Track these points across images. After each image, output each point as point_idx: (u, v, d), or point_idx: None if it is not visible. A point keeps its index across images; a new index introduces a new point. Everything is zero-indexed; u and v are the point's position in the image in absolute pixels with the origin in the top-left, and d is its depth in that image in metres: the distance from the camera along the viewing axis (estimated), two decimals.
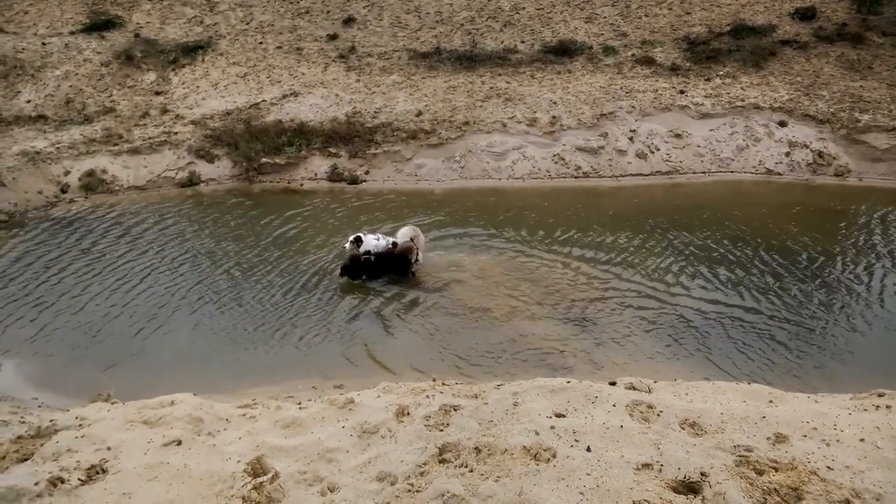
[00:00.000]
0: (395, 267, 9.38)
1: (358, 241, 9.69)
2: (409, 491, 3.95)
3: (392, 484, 4.01)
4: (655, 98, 13.61)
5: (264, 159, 13.05)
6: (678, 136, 13.07)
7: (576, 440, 4.36)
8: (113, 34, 17.41)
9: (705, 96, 13.64)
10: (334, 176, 12.93)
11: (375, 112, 14.01)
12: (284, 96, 14.84)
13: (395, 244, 9.64)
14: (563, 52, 15.11)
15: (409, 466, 4.13)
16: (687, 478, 4.00)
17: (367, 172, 12.97)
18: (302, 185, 12.91)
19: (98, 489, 3.91)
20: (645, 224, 10.81)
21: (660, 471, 4.08)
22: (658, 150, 12.95)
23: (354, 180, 12.82)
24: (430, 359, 7.71)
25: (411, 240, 9.66)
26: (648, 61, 14.75)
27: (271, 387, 7.11)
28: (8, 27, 18.47)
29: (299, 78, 15.45)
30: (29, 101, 15.57)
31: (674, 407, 4.78)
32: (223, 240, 10.77)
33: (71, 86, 15.81)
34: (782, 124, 13.18)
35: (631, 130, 13.15)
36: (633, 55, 15.02)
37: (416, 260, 9.52)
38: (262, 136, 13.42)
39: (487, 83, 14.52)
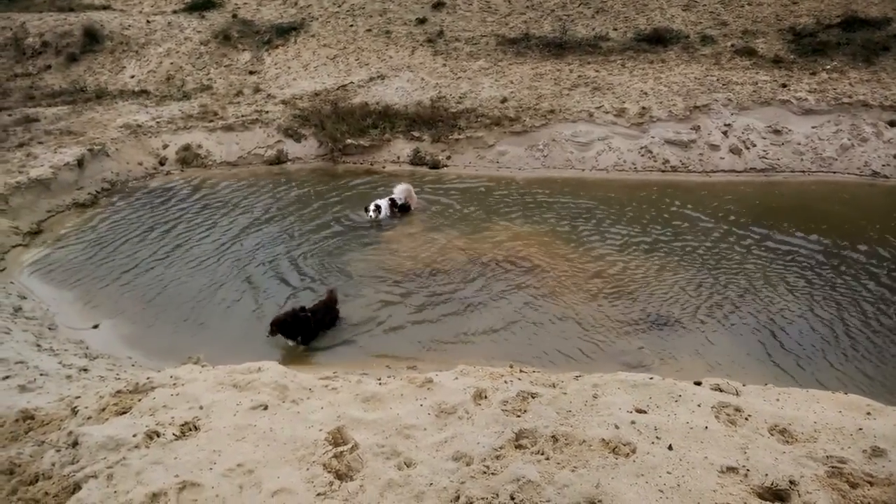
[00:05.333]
0: (330, 318, 8.16)
1: (378, 208, 10.40)
2: (485, 473, 3.93)
3: (468, 465, 4.00)
4: (755, 91, 12.96)
5: (349, 140, 13.28)
6: (777, 132, 12.41)
7: (657, 437, 4.22)
8: (212, 14, 18.14)
9: (809, 91, 12.88)
10: (416, 160, 13.02)
11: (460, 97, 13.99)
12: (371, 79, 15.04)
13: (393, 201, 10.66)
14: (657, 40, 14.63)
15: (486, 449, 4.11)
16: (774, 485, 3.80)
17: (448, 157, 12.98)
18: (384, 167, 13.06)
19: (191, 445, 4.08)
20: (735, 223, 10.34)
21: (745, 475, 3.90)
22: (754, 146, 12.34)
23: (436, 165, 12.87)
24: (501, 346, 7.68)
25: (408, 192, 10.85)
26: (749, 52, 14.07)
27: (345, 362, 7.26)
28: (115, 4, 19.57)
29: (387, 61, 15.62)
30: (133, 77, 16.45)
31: (763, 412, 4.56)
32: (308, 215, 11.06)
33: (172, 63, 16.58)
34: (892, 124, 12.29)
35: (725, 124, 12.59)
36: (732, 45, 14.35)
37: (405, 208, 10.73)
38: (348, 117, 13.66)
39: (576, 71, 14.23)
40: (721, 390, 4.95)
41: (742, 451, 4.10)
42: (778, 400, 4.81)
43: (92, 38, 17.54)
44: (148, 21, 18.16)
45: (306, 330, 7.76)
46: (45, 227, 10.75)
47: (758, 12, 15.13)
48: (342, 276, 9.20)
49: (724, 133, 12.52)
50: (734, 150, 12.32)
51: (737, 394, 4.93)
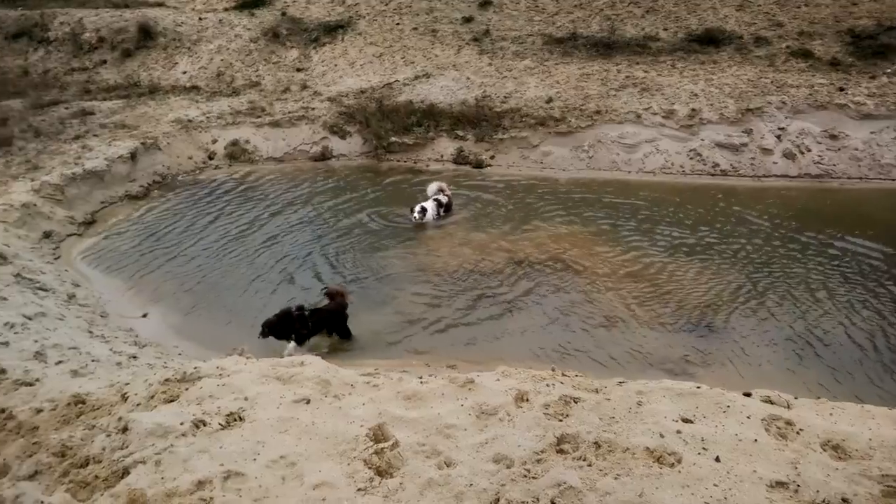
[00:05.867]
0: (332, 325, 7.82)
1: (424, 210, 10.27)
2: (525, 476, 3.89)
3: (508, 467, 3.97)
4: (810, 94, 12.55)
5: (393, 138, 13.34)
6: (833, 136, 12.00)
7: (704, 448, 4.13)
8: (262, 12, 18.44)
9: (868, 95, 12.40)
10: (459, 159, 13.00)
11: (505, 97, 13.92)
12: (417, 77, 15.09)
13: (439, 202, 10.60)
14: (709, 41, 14.30)
15: (526, 452, 4.07)
16: (826, 502, 3.67)
17: (492, 157, 12.93)
18: (428, 165, 13.08)
19: (235, 435, 4.15)
20: (787, 229, 10.04)
21: (795, 491, 3.78)
22: (809, 150, 11.96)
23: (479, 164, 12.83)
24: (541, 348, 7.62)
25: (441, 191, 10.79)
26: (805, 54, 13.64)
27: (386, 360, 7.28)
28: (169, 2, 20.07)
29: (432, 60, 15.64)
30: (184, 73, 16.84)
31: (815, 426, 4.41)
32: (349, 211, 11.16)
33: (222, 60, 16.92)
34: None
35: (779, 128, 12.22)
36: (787, 47, 13.94)
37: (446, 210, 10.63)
38: (392, 115, 13.73)
39: (623, 71, 14.02)
40: (772, 402, 4.81)
41: (793, 465, 3.98)
42: (831, 414, 4.65)
43: (146, 35, 18.01)
44: (200, 18, 18.57)
45: (299, 329, 7.46)
46: (98, 217, 11.09)
47: (815, 13, 14.65)
48: (380, 274, 9.24)
49: (778, 137, 12.17)
50: (788, 155, 11.96)
51: (788, 406, 4.78)
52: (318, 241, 10.23)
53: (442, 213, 10.72)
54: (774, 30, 14.48)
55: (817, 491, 3.74)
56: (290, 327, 7.42)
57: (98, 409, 4.87)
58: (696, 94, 13.02)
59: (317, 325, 7.61)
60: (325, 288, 8.25)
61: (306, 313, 7.51)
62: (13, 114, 14.50)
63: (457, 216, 10.87)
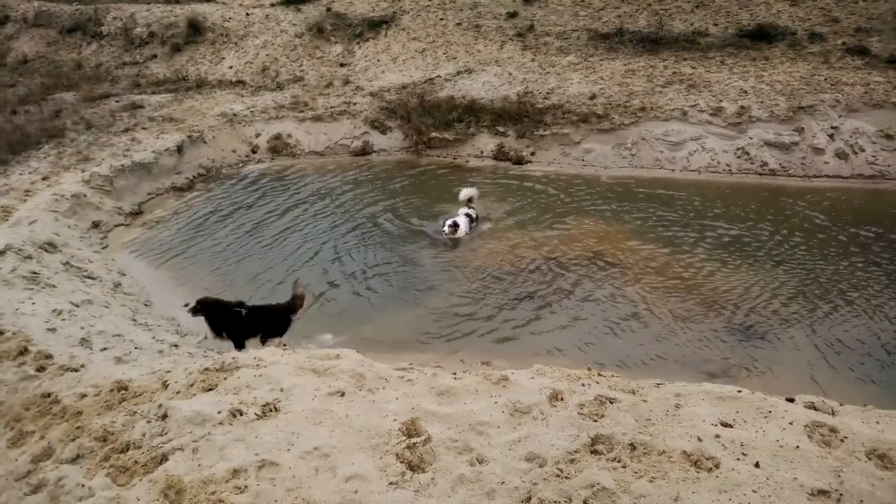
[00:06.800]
0: (273, 324, 7.11)
1: (456, 226, 9.69)
2: (558, 476, 3.84)
3: (541, 466, 3.93)
4: (866, 93, 12.08)
5: (434, 134, 13.33)
6: (889, 136, 11.52)
7: (743, 453, 4.01)
8: (308, 7, 18.64)
9: None
10: (500, 155, 12.91)
11: (547, 93, 13.77)
12: (458, 73, 15.04)
13: (469, 216, 10.00)
14: (760, 36, 13.89)
15: (560, 452, 4.02)
16: None
17: (532, 154, 12.82)
18: (467, 161, 13.04)
19: (271, 425, 4.21)
20: (836, 231, 9.70)
21: (838, 500, 3.65)
22: (863, 150, 11.52)
23: (519, 160, 12.73)
24: (576, 347, 7.50)
25: (470, 199, 10.27)
26: (861, 51, 13.13)
27: (418, 354, 7.26)
28: None
29: (475, 55, 15.58)
30: (231, 67, 17.14)
31: (861, 434, 4.25)
32: (388, 206, 11.20)
33: (267, 54, 17.17)
34: None
35: (832, 127, 11.80)
36: (843, 43, 13.44)
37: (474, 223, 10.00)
38: (433, 110, 13.70)
39: (670, 67, 13.73)
40: (815, 408, 4.66)
41: (836, 474, 3.85)
42: (878, 423, 4.48)
43: (195, 30, 18.40)
44: (247, 14, 18.87)
45: (233, 327, 6.89)
46: (145, 208, 11.36)
47: (873, 9, 14.10)
48: (414, 268, 9.25)
49: (830, 136, 11.75)
50: (840, 155, 11.54)
51: (833, 413, 4.63)
52: (356, 234, 10.29)
53: (476, 226, 10.21)
54: (830, 25, 13.98)
55: (861, 501, 3.62)
56: (226, 320, 6.88)
57: (140, 395, 4.99)
58: (745, 91, 12.67)
59: (254, 325, 6.99)
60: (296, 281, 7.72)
61: (244, 311, 6.89)
62: (66, 106, 14.99)
63: (495, 213, 10.79)
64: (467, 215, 10.10)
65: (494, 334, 7.80)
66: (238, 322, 6.83)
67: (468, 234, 9.97)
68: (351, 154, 13.58)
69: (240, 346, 6.89)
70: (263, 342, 6.99)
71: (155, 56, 18.40)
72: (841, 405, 4.83)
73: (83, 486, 3.98)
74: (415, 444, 4.04)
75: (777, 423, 4.34)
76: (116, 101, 15.19)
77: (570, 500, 3.66)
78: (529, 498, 3.71)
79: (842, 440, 4.20)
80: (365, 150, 13.59)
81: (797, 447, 4.06)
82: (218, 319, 6.86)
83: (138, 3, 20.41)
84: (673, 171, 12.02)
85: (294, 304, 7.16)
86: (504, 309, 8.24)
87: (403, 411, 4.38)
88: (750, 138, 12.00)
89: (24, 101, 15.46)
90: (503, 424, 4.30)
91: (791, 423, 4.33)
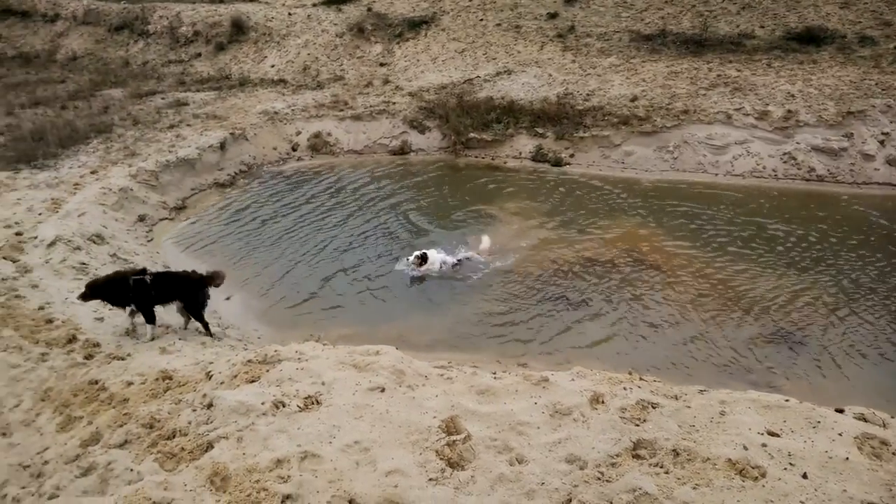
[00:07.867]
0: (183, 295, 6.79)
1: (424, 258, 8.95)
2: (599, 479, 3.80)
3: (581, 468, 3.90)
4: None
5: (472, 134, 13.33)
6: None
7: (790, 463, 3.92)
8: (349, 7, 18.81)
9: None
10: (538, 156, 12.85)
11: (588, 95, 13.66)
12: (498, 73, 15.02)
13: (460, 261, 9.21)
14: (808, 39, 13.57)
15: (601, 455, 3.98)
16: None
17: (571, 155, 12.72)
18: (505, 162, 13.00)
19: (312, 418, 4.26)
20: (888, 241, 9.41)
21: None
22: None
23: (558, 162, 12.64)
24: (614, 351, 7.43)
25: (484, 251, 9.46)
26: None
27: (456, 354, 7.25)
28: None
29: (514, 56, 15.53)
30: (272, 66, 17.40)
31: None
32: (424, 206, 11.24)
33: (309, 54, 17.38)
34: None
35: (883, 133, 11.45)
36: (895, 48, 13.04)
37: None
38: (472, 111, 13.71)
39: (715, 70, 13.49)
40: (866, 420, 4.53)
41: (887, 487, 3.74)
42: None
43: (238, 29, 18.74)
44: (289, 14, 19.13)
45: (136, 297, 6.48)
46: (188, 203, 11.60)
47: None
48: (452, 269, 9.24)
49: (881, 142, 11.40)
50: (891, 162, 11.19)
51: (884, 426, 4.49)
52: (391, 233, 10.34)
53: (453, 268, 9.18)
54: (882, 29, 13.58)
55: None
56: (124, 293, 6.47)
57: (184, 385, 5.09)
58: (792, 95, 12.38)
59: (162, 293, 6.63)
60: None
61: (147, 278, 6.50)
62: (114, 102, 15.39)
63: (532, 213, 10.73)
64: (462, 257, 9.37)
65: (531, 335, 7.75)
66: (143, 289, 6.46)
67: (440, 272, 9.08)
68: (389, 153, 13.66)
69: (150, 316, 6.62)
70: (186, 318, 6.96)
71: (199, 54, 18.78)
72: (892, 417, 4.69)
73: (132, 470, 4.08)
74: (455, 441, 4.04)
75: (826, 433, 4.23)
76: (162, 98, 15.54)
77: (612, 503, 3.62)
78: (570, 500, 3.68)
79: (893, 453, 4.07)
80: (403, 150, 13.65)
81: (847, 459, 3.96)
82: (117, 294, 6.49)
83: (184, 2, 20.85)
84: (716, 175, 11.80)
85: (212, 278, 6.93)
86: (541, 311, 8.19)
87: (443, 409, 4.38)
88: (797, 143, 11.71)
89: (73, 97, 15.93)
90: (543, 425, 4.28)
91: (840, 435, 4.21)
